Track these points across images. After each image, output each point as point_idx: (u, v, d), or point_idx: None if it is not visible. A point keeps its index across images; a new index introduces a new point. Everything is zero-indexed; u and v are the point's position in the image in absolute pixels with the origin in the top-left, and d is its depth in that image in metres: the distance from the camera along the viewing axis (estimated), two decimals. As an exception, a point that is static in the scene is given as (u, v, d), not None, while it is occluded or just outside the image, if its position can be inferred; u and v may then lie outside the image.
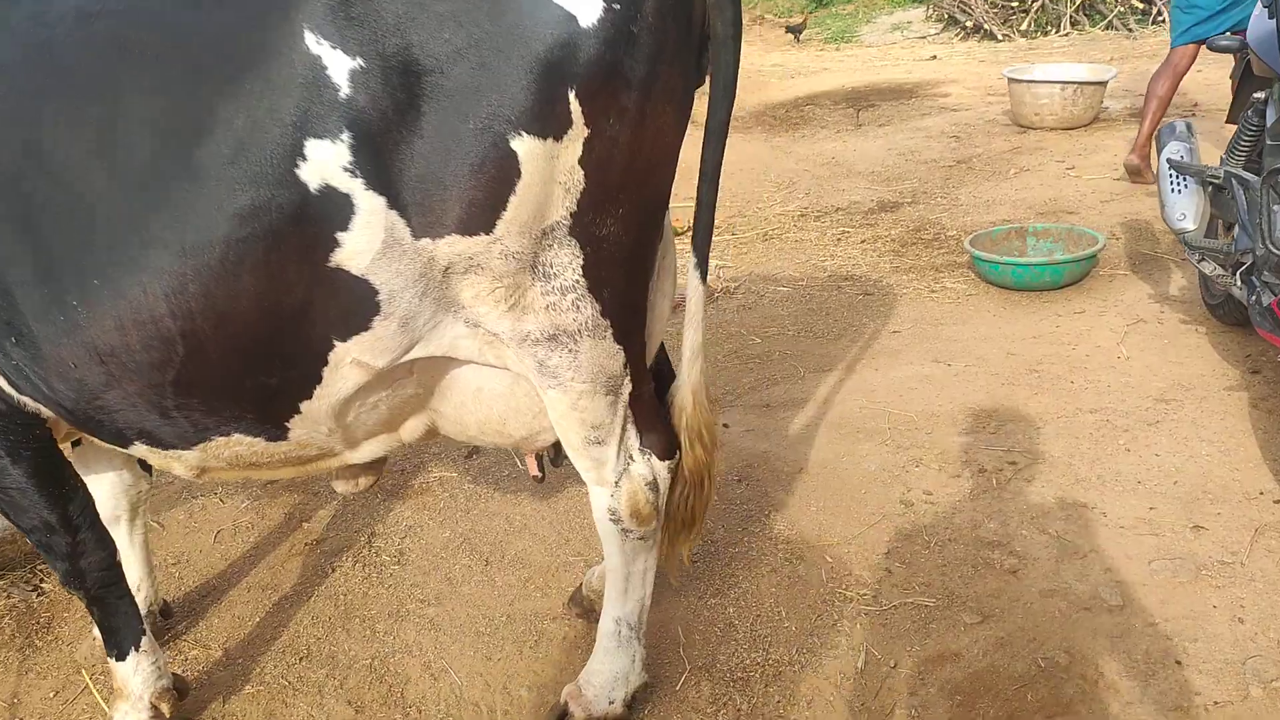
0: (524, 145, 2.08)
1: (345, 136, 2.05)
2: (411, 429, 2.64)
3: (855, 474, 4.02)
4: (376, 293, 2.18)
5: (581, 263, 2.24)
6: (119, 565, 2.84)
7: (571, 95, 2.08)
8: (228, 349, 2.20)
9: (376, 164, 2.08)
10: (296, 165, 2.07)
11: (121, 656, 2.88)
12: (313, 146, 2.06)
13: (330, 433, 2.46)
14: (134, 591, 3.32)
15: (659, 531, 2.75)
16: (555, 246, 2.21)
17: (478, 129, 2.06)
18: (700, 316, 2.56)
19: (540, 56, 2.05)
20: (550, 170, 2.12)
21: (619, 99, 2.13)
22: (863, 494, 3.88)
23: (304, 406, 2.35)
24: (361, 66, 2.04)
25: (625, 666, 2.80)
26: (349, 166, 2.06)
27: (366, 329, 2.22)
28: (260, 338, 2.20)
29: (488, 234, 2.16)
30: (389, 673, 3.20)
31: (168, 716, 2.91)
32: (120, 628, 2.87)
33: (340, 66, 2.03)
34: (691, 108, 2.45)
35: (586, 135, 2.12)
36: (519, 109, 2.06)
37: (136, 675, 2.89)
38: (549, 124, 2.08)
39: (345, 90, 2.04)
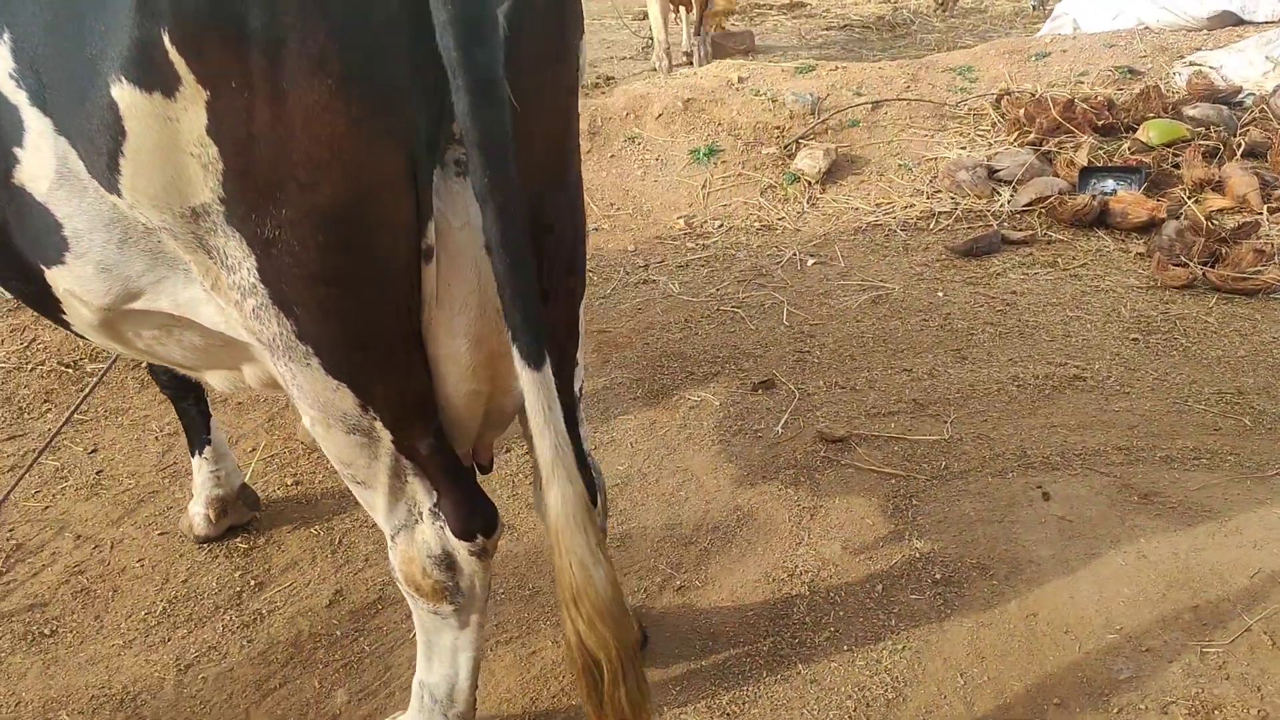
0: (125, 95, 1.63)
1: (7, 37, 1.79)
2: (254, 376, 2.35)
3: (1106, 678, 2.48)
4: (61, 226, 1.92)
5: (255, 265, 1.74)
6: (186, 378, 3.10)
7: (166, 40, 1.55)
8: None
9: (36, 78, 1.79)
10: None
11: (191, 455, 3.22)
12: None
13: (136, 351, 2.30)
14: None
15: (470, 615, 2.20)
16: (219, 234, 1.75)
17: (89, 62, 1.66)
18: (544, 417, 1.70)
19: None
20: (171, 136, 1.64)
21: (237, 59, 1.54)
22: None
23: (67, 319, 2.22)
24: None
25: None
26: (13, 74, 1.81)
27: (61, 263, 1.99)
28: None
29: (119, 196, 1.77)
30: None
31: (213, 521, 3.21)
32: (188, 429, 3.20)
33: None
34: (384, 91, 1.60)
35: (207, 99, 1.58)
36: (118, 47, 1.60)
37: (198, 475, 3.22)
38: (149, 74, 1.59)
39: None
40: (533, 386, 1.68)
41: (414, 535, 2.08)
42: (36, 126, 1.78)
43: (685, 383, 3.90)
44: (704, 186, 5.56)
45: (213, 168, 1.63)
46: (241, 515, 3.29)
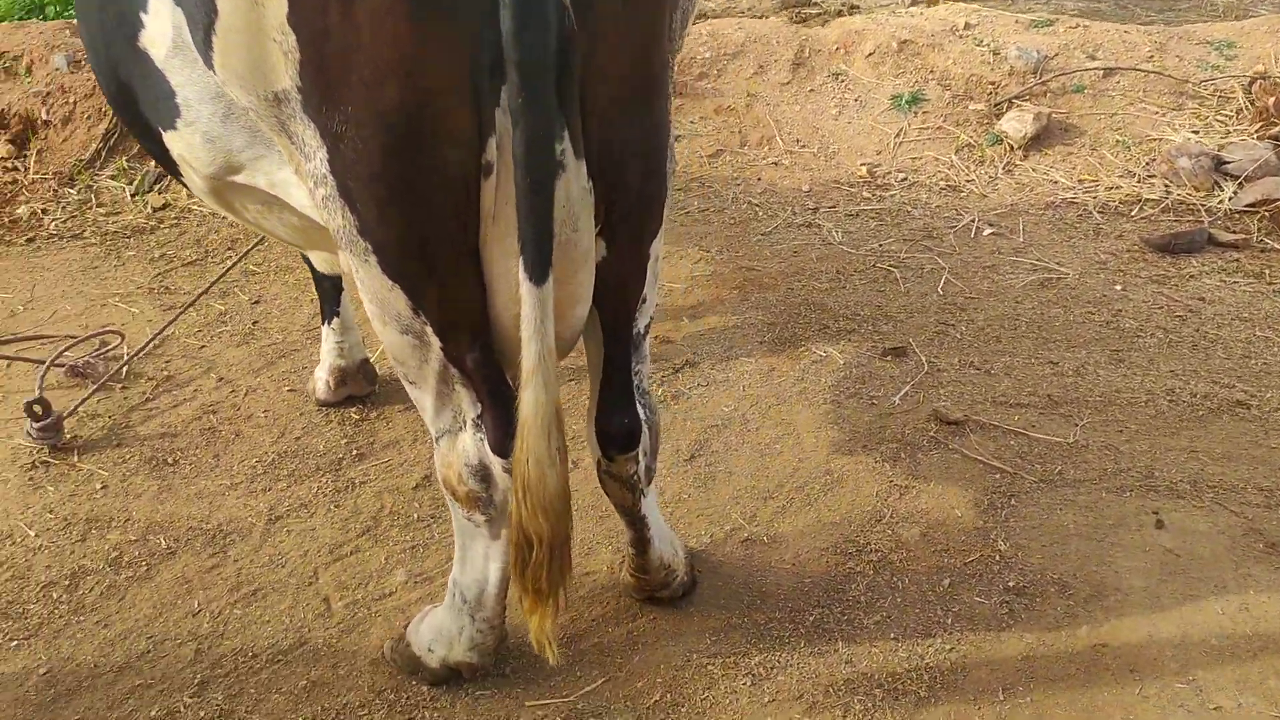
0: None
1: None
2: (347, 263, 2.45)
3: None
4: (174, 93, 2.05)
5: (326, 156, 1.82)
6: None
7: None
8: (118, 100, 2.28)
9: None
10: None
11: (322, 323, 3.42)
12: None
13: (247, 223, 2.42)
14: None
15: (502, 529, 2.26)
16: (297, 121, 1.84)
17: None
18: (533, 329, 1.77)
19: None
20: (257, 20, 1.72)
21: None
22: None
23: (185, 183, 2.35)
24: None
25: (451, 631, 2.43)
26: None
27: (173, 128, 2.12)
28: (124, 101, 2.22)
29: (212, 70, 1.88)
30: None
31: (332, 389, 3.41)
32: (321, 298, 3.39)
33: None
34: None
35: None
36: None
37: (325, 344, 3.41)
38: None
39: None
40: (529, 298, 1.72)
41: (456, 441, 2.14)
42: None
43: (817, 335, 3.79)
44: (898, 135, 5.30)
45: (291, 56, 1.69)
46: (360, 387, 3.46)
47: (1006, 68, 5.55)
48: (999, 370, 3.56)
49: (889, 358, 3.63)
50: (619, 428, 2.19)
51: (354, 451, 3.26)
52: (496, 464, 2.11)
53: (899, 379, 3.52)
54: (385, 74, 1.64)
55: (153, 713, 2.41)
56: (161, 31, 1.94)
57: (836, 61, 5.73)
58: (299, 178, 1.96)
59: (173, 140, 2.12)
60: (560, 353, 2.15)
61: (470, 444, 2.12)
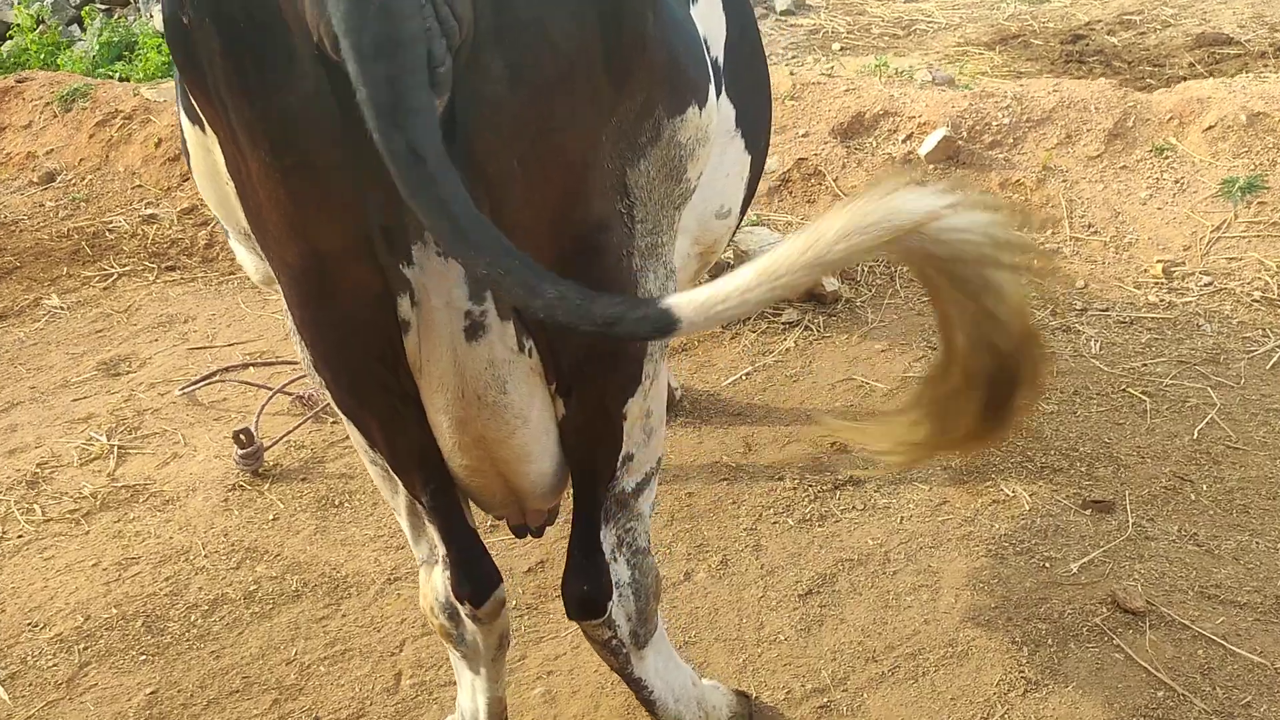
0: (184, 121, 1.83)
1: None
2: None
3: None
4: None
5: (284, 293, 1.86)
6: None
7: (186, 87, 1.67)
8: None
9: None
10: None
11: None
12: None
13: None
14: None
15: (479, 666, 2.25)
16: (266, 259, 1.91)
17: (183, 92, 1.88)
18: None
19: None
20: (212, 165, 1.79)
21: (217, 117, 1.58)
22: None
23: None
24: None
25: None
26: None
27: (231, 238, 2.30)
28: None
29: None
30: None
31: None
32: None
33: None
34: (319, 166, 1.50)
35: (220, 142, 1.67)
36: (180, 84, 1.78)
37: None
38: (190, 109, 1.74)
39: None
40: None
41: (430, 574, 2.12)
42: None
43: (1013, 470, 3.31)
44: (1217, 229, 4.48)
45: (237, 201, 1.73)
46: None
47: (1388, 153, 4.52)
48: (1227, 551, 2.90)
49: (1089, 511, 3.09)
50: (577, 593, 2.03)
51: (488, 523, 3.31)
52: (461, 607, 2.05)
53: (1089, 541, 2.98)
54: (284, 231, 1.62)
55: (213, 754, 2.60)
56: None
57: (1166, 134, 4.97)
58: None
59: (234, 248, 2.27)
60: (540, 502, 2.03)
61: (439, 580, 2.09)
